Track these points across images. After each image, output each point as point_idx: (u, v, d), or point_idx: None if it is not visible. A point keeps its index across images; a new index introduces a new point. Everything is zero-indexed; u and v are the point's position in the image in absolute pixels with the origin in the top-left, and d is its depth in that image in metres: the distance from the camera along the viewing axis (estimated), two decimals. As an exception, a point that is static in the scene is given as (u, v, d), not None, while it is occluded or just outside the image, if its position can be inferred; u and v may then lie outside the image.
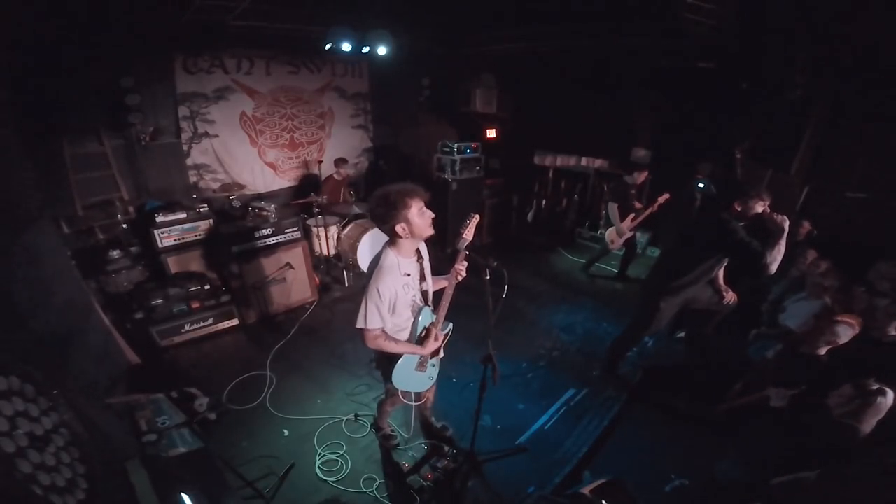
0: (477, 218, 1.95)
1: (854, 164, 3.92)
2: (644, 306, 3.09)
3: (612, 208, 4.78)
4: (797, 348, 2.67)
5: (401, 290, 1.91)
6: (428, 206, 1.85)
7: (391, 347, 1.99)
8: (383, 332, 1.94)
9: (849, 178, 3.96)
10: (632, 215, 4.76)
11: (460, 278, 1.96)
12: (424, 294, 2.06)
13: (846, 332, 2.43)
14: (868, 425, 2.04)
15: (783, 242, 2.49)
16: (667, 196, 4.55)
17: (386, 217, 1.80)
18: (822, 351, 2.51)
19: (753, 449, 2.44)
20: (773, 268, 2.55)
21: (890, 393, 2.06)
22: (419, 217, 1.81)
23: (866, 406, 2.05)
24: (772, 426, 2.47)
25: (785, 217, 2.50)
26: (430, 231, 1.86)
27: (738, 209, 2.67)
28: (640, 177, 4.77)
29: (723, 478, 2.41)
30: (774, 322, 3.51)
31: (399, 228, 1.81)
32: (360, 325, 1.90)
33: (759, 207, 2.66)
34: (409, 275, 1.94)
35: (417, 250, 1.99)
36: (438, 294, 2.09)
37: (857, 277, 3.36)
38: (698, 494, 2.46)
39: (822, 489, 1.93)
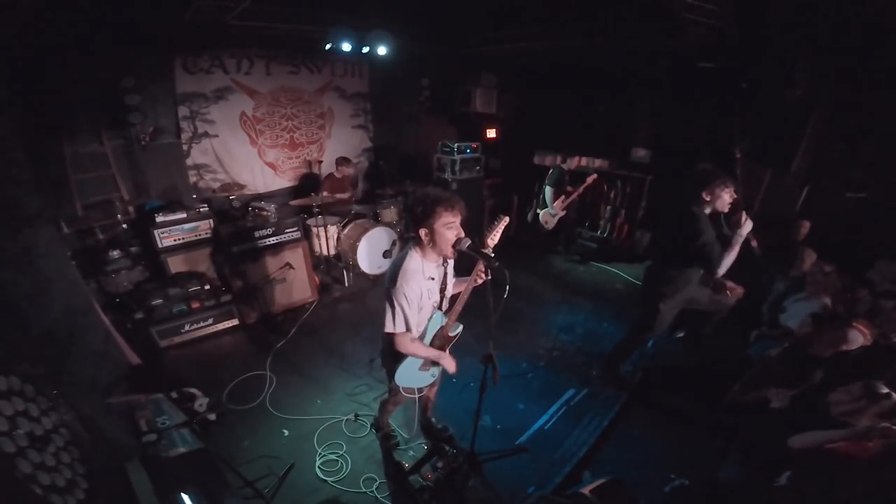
0: (506, 221, 1.92)
1: (854, 164, 3.93)
2: (645, 309, 3.08)
3: (549, 192, 5.31)
4: (802, 349, 2.66)
5: (425, 294, 1.90)
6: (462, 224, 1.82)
7: (422, 352, 2.01)
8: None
9: (849, 178, 3.96)
10: (562, 197, 5.28)
11: (480, 282, 1.94)
12: (442, 298, 2.06)
13: (857, 338, 2.42)
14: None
15: (737, 248, 2.54)
16: (594, 177, 5.15)
17: (415, 217, 1.80)
18: (828, 353, 2.51)
19: (755, 451, 2.44)
20: (721, 271, 2.58)
21: (895, 396, 2.06)
22: (444, 228, 1.77)
23: (870, 408, 2.05)
24: (773, 427, 2.47)
25: (749, 220, 2.52)
26: (450, 250, 1.80)
27: (707, 199, 2.65)
28: (573, 163, 5.39)
29: (725, 481, 2.41)
30: (775, 322, 3.51)
31: (422, 233, 1.80)
32: (388, 329, 1.90)
33: (727, 196, 2.63)
34: (432, 279, 1.94)
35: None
36: (454, 296, 2.09)
37: (857, 277, 3.37)
38: (698, 494, 2.46)
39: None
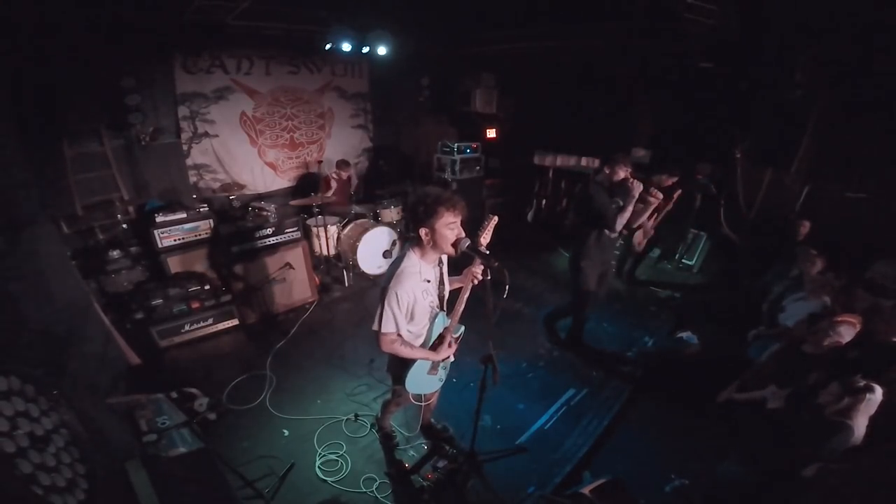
0: (495, 220, 1.92)
1: (854, 164, 3.93)
2: (573, 273, 3.45)
3: None
4: (798, 348, 2.67)
5: (420, 296, 1.89)
6: (463, 224, 1.82)
7: (406, 353, 1.98)
8: (399, 336, 1.92)
9: (849, 178, 3.97)
10: (655, 216, 4.54)
11: (476, 281, 1.93)
12: (441, 299, 2.05)
13: (848, 331, 2.43)
14: (861, 423, 2.04)
15: (631, 207, 3.06)
16: (680, 192, 4.51)
17: (416, 217, 1.79)
18: (822, 350, 2.51)
19: (753, 450, 2.44)
20: (618, 227, 3.11)
21: (878, 389, 2.06)
22: (445, 228, 1.76)
23: (857, 403, 2.05)
24: (770, 427, 2.47)
25: (640, 184, 3.05)
26: (450, 249, 1.80)
27: (607, 172, 3.18)
28: (669, 181, 4.48)
29: (723, 479, 2.41)
30: (774, 322, 3.51)
31: (423, 232, 1.78)
32: (374, 327, 1.89)
33: (622, 173, 3.13)
34: (428, 281, 1.93)
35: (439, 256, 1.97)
36: (452, 296, 2.08)
37: (857, 277, 3.37)
38: (698, 494, 2.46)
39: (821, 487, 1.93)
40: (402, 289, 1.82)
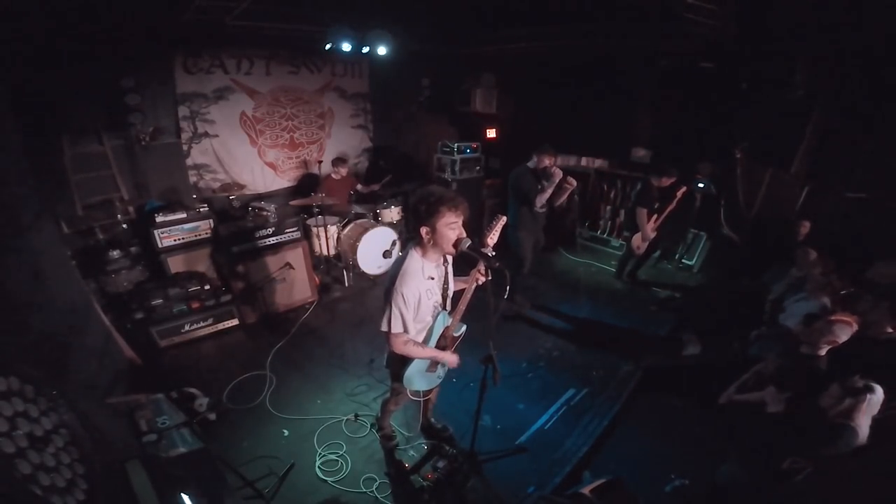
0: (503, 220, 1.93)
1: (854, 164, 3.92)
2: (512, 243, 4.01)
3: (641, 213, 4.48)
4: (797, 349, 2.66)
5: (424, 295, 1.89)
6: (465, 225, 1.82)
7: (417, 353, 1.99)
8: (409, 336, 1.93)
9: (849, 178, 3.96)
10: (654, 217, 4.53)
11: (481, 282, 1.93)
12: (444, 298, 2.05)
13: (844, 330, 2.42)
14: (865, 424, 2.03)
15: (550, 190, 3.64)
16: (684, 189, 4.39)
17: (417, 216, 1.79)
18: (823, 351, 2.50)
19: (753, 452, 2.44)
20: (538, 204, 3.71)
21: (878, 389, 2.05)
22: (446, 228, 1.76)
23: (858, 404, 2.04)
24: (771, 430, 2.46)
25: (560, 172, 3.60)
26: (451, 249, 1.80)
27: (535, 159, 3.76)
28: (668, 181, 4.42)
29: (724, 480, 2.41)
30: (775, 322, 3.51)
31: (423, 231, 1.78)
32: (384, 328, 1.89)
33: (547, 161, 3.68)
34: (432, 278, 1.93)
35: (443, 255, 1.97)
36: (456, 295, 2.08)
37: (856, 277, 3.37)
38: (698, 494, 2.46)
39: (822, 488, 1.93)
40: (408, 288, 1.82)
